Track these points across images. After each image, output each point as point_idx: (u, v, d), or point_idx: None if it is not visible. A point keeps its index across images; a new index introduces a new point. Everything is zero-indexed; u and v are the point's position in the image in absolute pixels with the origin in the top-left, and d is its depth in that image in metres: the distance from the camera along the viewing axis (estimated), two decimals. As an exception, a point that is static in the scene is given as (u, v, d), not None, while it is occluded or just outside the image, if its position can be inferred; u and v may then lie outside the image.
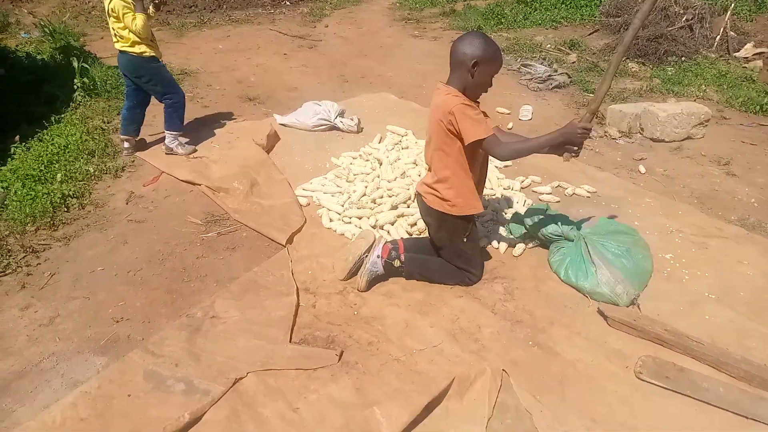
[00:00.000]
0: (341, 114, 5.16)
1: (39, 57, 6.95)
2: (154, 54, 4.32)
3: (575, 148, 2.61)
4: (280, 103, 5.82)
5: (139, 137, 4.69)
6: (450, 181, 2.69)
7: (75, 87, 5.70)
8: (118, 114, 5.40)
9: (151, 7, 4.39)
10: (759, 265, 3.16)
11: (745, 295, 2.91)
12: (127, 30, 4.15)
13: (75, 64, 5.85)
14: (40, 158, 4.33)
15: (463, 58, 2.50)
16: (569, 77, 6.29)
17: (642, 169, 4.33)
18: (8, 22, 9.68)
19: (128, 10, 4.09)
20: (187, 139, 4.66)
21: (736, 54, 7.31)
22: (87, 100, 5.63)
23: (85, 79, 5.76)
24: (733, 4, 8.09)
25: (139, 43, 4.22)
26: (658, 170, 4.34)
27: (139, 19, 4.10)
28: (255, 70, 6.68)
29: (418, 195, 2.93)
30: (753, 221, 3.65)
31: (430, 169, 2.81)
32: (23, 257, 3.25)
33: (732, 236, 3.45)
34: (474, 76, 2.52)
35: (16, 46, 7.92)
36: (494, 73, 2.59)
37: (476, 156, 2.69)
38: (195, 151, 4.58)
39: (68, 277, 3.10)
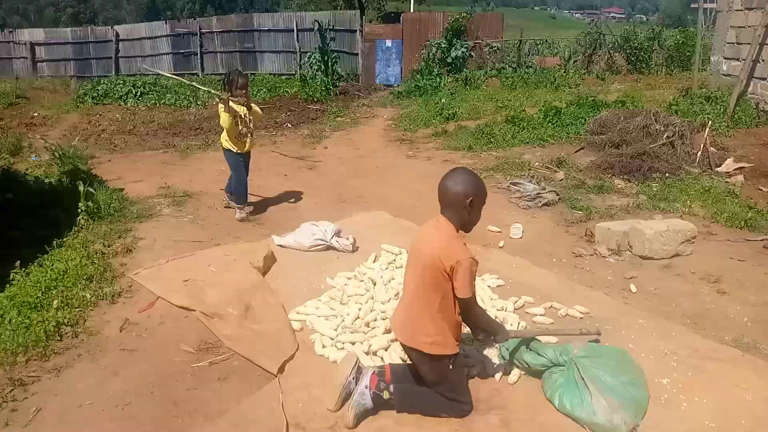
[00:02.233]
0: (337, 234, 5.29)
1: (47, 180, 7.24)
2: (228, 147, 6.05)
3: (491, 338, 3.01)
4: (279, 224, 5.98)
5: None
6: (433, 317, 2.76)
7: (79, 210, 5.88)
8: (119, 237, 5.54)
9: (242, 107, 5.92)
10: (757, 389, 3.12)
11: (746, 423, 2.85)
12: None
13: (81, 188, 6.07)
14: (39, 284, 4.39)
15: (456, 198, 2.66)
16: (558, 195, 6.51)
17: (633, 288, 4.38)
18: (21, 146, 10.15)
19: (221, 110, 5.76)
20: (249, 209, 6.25)
21: (718, 169, 7.59)
22: (90, 224, 5.78)
23: (90, 203, 5.95)
24: (710, 122, 8.53)
25: (225, 138, 6.02)
26: (649, 289, 4.38)
27: (223, 117, 5.77)
28: (256, 191, 6.90)
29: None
30: (747, 341, 3.64)
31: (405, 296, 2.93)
32: (10, 391, 3.20)
33: (728, 359, 3.43)
34: (470, 212, 2.68)
35: (26, 169, 8.26)
36: (484, 203, 2.76)
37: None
38: (246, 219, 6.10)
39: (55, 413, 3.04)
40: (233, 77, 5.87)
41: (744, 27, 10.51)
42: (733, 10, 10.77)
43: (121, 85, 16.40)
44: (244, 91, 5.85)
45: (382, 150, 9.82)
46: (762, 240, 5.28)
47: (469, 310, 2.80)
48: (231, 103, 5.73)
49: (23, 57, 23.03)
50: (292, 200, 6.84)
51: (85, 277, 4.59)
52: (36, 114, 14.38)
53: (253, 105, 6.11)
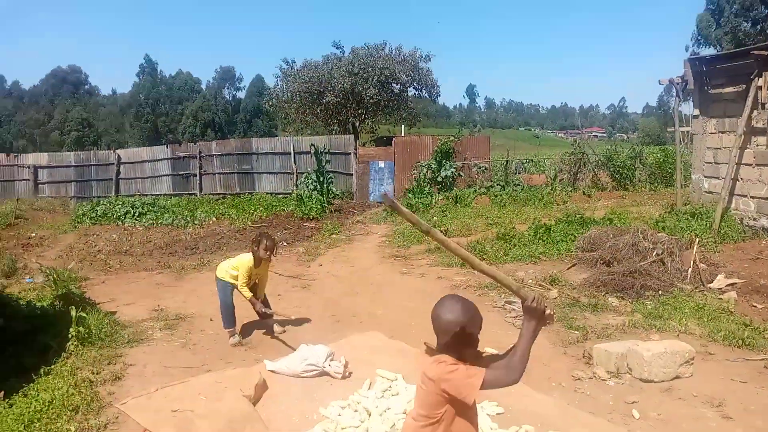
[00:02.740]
0: (331, 357, 5.20)
1: (39, 304, 7.18)
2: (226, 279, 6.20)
3: (548, 313, 2.55)
4: (271, 347, 5.89)
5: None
6: None
7: (70, 336, 5.79)
8: (108, 363, 5.42)
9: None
10: None
11: None
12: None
13: (73, 313, 6.02)
14: (22, 417, 4.23)
15: (449, 326, 2.61)
16: (552, 314, 6.48)
17: (635, 414, 4.27)
18: (16, 267, 10.17)
19: (244, 282, 6.05)
20: (237, 338, 6.18)
21: (710, 285, 7.65)
22: (80, 349, 5.68)
23: (81, 328, 5.87)
24: (698, 238, 8.72)
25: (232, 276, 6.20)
26: (652, 414, 4.27)
27: (245, 293, 6.09)
28: (249, 314, 6.84)
29: None
30: (759, 472, 3.50)
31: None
32: None
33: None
34: (464, 340, 2.62)
35: (19, 292, 8.22)
36: (479, 328, 2.69)
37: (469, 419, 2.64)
38: (238, 344, 6.10)
39: None
40: (262, 239, 6.09)
41: (720, 148, 11.09)
42: (707, 133, 11.41)
43: (119, 206, 16.75)
44: (269, 254, 6.08)
45: (376, 267, 9.89)
46: (762, 359, 5.22)
47: (500, 378, 2.42)
48: (252, 264, 6.05)
49: (26, 179, 23.65)
50: (286, 322, 6.77)
51: (70, 408, 4.43)
52: (33, 234, 14.55)
53: (267, 269, 6.39)
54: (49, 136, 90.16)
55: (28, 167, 23.69)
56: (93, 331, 6.02)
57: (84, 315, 6.19)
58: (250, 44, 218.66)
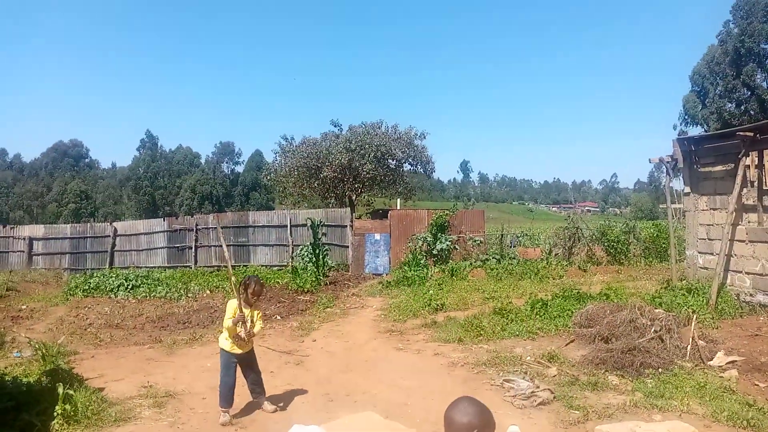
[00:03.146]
0: (325, 438, 5.02)
1: (25, 380, 6.97)
2: (224, 348, 6.06)
3: None
4: (263, 427, 5.70)
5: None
6: None
7: (55, 414, 5.60)
8: (93, 444, 5.21)
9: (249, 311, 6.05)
10: None
11: None
12: None
13: (60, 390, 5.85)
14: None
15: (462, 428, 2.52)
16: (552, 393, 6.35)
17: (642, 500, 4.09)
18: (3, 341, 9.94)
19: (229, 317, 5.90)
20: (228, 417, 5.91)
21: (710, 363, 7.54)
22: (65, 429, 5.48)
23: (67, 406, 5.69)
24: (695, 314, 8.67)
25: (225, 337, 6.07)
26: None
27: (226, 323, 5.94)
28: (240, 391, 6.66)
29: None
30: None
31: None
32: None
33: None
34: None
35: (6, 367, 8.01)
36: None
37: None
38: (229, 424, 5.85)
39: None
40: (250, 282, 6.12)
41: (712, 224, 11.23)
42: (699, 210, 11.59)
43: (113, 278, 16.61)
44: (256, 298, 6.12)
45: (371, 342, 9.73)
46: (768, 441, 5.07)
47: None
48: (242, 305, 5.96)
49: (20, 251, 23.58)
50: (278, 400, 6.58)
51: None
52: (24, 307, 14.33)
53: (257, 314, 6.22)
54: (46, 208, 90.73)
55: (24, 239, 23.68)
56: (80, 408, 5.83)
57: (71, 392, 6.01)
58: (250, 121, 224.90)
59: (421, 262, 17.73)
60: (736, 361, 7.50)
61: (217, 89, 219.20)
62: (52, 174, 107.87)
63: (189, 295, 15.19)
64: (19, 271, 21.30)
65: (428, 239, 18.83)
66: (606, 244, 18.51)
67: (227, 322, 5.94)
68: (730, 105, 43.43)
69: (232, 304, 6.00)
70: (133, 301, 14.82)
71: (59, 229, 24.70)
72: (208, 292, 15.64)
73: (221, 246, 21.12)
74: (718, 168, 11.12)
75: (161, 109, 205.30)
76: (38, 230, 24.52)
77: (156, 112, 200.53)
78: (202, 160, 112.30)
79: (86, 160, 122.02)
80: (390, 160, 29.07)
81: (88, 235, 23.54)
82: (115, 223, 24.58)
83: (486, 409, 2.60)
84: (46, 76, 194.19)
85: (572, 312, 9.87)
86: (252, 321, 6.11)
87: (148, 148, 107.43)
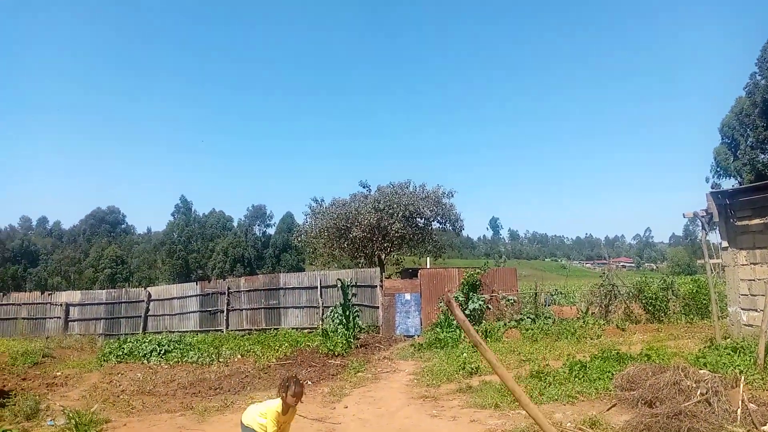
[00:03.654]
0: None
1: (58, 451, 6.96)
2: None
3: None
4: (294, 500, 5.51)
5: None
6: None
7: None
8: None
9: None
10: None
11: None
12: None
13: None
14: None
15: None
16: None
17: None
18: (38, 409, 10.01)
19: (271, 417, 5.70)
20: None
21: (764, 428, 7.12)
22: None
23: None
24: (743, 376, 8.26)
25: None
26: None
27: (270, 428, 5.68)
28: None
29: None
30: None
31: None
32: None
33: None
34: None
35: (39, 437, 8.03)
36: None
37: None
38: None
39: None
40: (290, 384, 5.83)
41: (754, 280, 10.87)
42: (739, 265, 11.25)
43: (146, 344, 16.72)
44: (296, 399, 5.85)
45: (404, 409, 9.48)
46: None
47: None
48: (280, 411, 5.76)
49: (57, 317, 24.02)
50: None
51: None
52: (59, 373, 14.46)
53: (292, 418, 6.05)
54: (83, 274, 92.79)
55: (60, 305, 24.17)
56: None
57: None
58: (280, 184, 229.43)
59: (453, 322, 17.42)
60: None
61: (249, 155, 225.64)
62: (90, 240, 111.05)
63: (220, 359, 15.16)
64: (55, 337, 21.63)
65: (460, 299, 18.58)
66: (644, 301, 17.98)
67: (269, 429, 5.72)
68: (762, 156, 42.79)
69: (276, 411, 5.77)
70: (166, 366, 14.83)
71: (95, 295, 25.17)
72: (239, 356, 15.58)
73: (257, 307, 21.30)
74: (756, 221, 10.86)
75: (195, 176, 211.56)
76: (75, 296, 25.02)
77: (190, 179, 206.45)
78: (235, 224, 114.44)
79: (123, 226, 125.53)
80: (418, 219, 29.24)
81: (122, 300, 23.91)
82: (149, 288, 24.97)
83: None
84: (86, 146, 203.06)
85: (612, 374, 9.53)
86: (288, 423, 5.94)
87: (182, 213, 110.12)
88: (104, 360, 15.89)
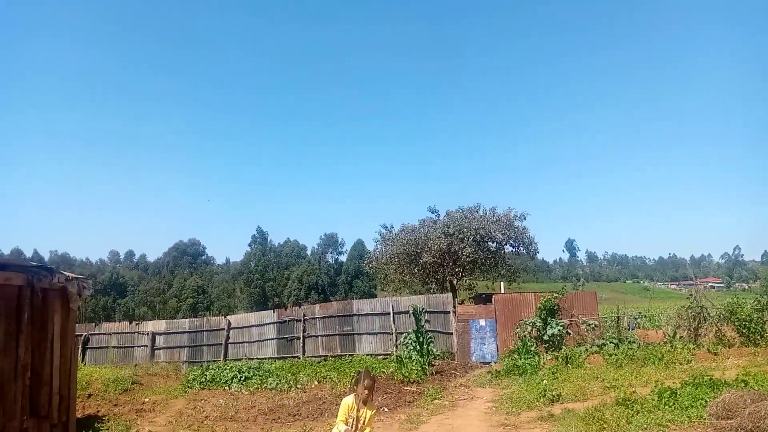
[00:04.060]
0: None
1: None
2: None
3: None
4: None
5: None
6: None
7: None
8: None
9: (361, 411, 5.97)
10: None
11: None
12: None
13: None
14: None
15: None
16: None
17: None
18: (129, 433, 10.47)
19: (341, 419, 5.93)
20: None
21: None
22: None
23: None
24: None
25: None
26: None
27: (340, 427, 5.90)
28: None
29: None
30: None
31: None
32: None
33: None
34: None
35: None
36: None
37: None
38: None
39: None
40: (362, 377, 6.18)
41: None
42: None
43: (227, 371, 17.23)
44: (368, 392, 6.10)
45: (484, 437, 9.24)
46: None
47: None
48: (350, 404, 6.05)
49: (144, 345, 25.21)
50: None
51: None
52: (147, 399, 15.11)
53: (371, 415, 6.18)
54: (167, 304, 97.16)
55: (147, 334, 25.36)
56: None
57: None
58: (352, 213, 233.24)
59: (531, 348, 16.91)
60: None
61: (320, 184, 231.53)
62: (173, 271, 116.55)
63: (298, 386, 15.39)
64: (142, 364, 22.68)
65: (537, 324, 18.04)
66: (737, 323, 16.78)
67: (340, 426, 5.97)
68: None
69: (346, 403, 6.06)
70: (246, 393, 15.20)
71: (178, 324, 26.26)
72: (316, 383, 15.76)
73: (332, 333, 21.57)
74: None
75: (271, 207, 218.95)
76: (160, 325, 26.21)
77: (266, 210, 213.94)
78: (308, 252, 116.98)
79: (203, 257, 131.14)
80: (490, 243, 28.77)
81: (204, 329, 24.80)
82: (228, 317, 25.78)
83: None
84: (169, 182, 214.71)
85: (706, 401, 8.94)
86: (365, 422, 6.04)
87: (258, 243, 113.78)
88: (188, 387, 16.48)
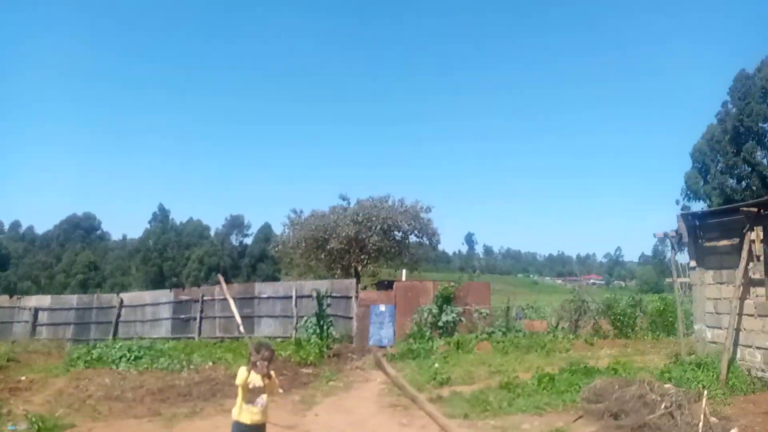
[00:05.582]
0: None
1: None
2: (237, 419, 5.87)
3: None
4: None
5: None
6: None
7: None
8: None
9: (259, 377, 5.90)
10: None
11: None
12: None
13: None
14: None
15: None
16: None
17: None
18: (0, 413, 9.80)
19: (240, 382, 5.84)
20: None
21: (724, 441, 7.32)
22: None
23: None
24: (706, 390, 8.48)
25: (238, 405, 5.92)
26: None
27: (240, 376, 5.84)
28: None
29: None
30: None
31: None
32: None
33: None
34: None
35: (-1, 442, 7.87)
36: None
37: None
38: None
39: None
40: (260, 348, 6.07)
41: (719, 299, 11.16)
42: (705, 284, 11.56)
43: (116, 350, 16.45)
44: (266, 363, 5.98)
45: (375, 417, 9.52)
46: None
47: None
48: (251, 369, 5.92)
49: (25, 321, 23.53)
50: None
51: None
52: (23, 378, 14.13)
53: (272, 376, 6.15)
54: (54, 279, 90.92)
55: (29, 309, 23.69)
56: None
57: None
58: (259, 195, 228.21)
59: (427, 334, 17.52)
60: (751, 439, 7.29)
61: (228, 164, 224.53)
62: (63, 245, 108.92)
63: (191, 366, 14.97)
64: (21, 341, 21.15)
65: (434, 311, 18.68)
66: (612, 317, 18.31)
67: (239, 376, 5.87)
68: (731, 181, 43.98)
69: (242, 371, 5.94)
70: (135, 372, 14.59)
71: (65, 300, 24.78)
72: (210, 363, 15.43)
73: (230, 315, 21.11)
74: (723, 242, 11.15)
75: (174, 184, 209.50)
76: (45, 300, 24.58)
77: (169, 187, 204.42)
78: (212, 233, 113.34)
79: (98, 233, 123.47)
80: (396, 232, 29.37)
81: (93, 306, 23.54)
82: (121, 294, 24.62)
83: None
84: (64, 152, 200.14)
85: (580, 387, 9.70)
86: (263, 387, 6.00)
87: (159, 221, 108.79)
88: (72, 365, 15.57)
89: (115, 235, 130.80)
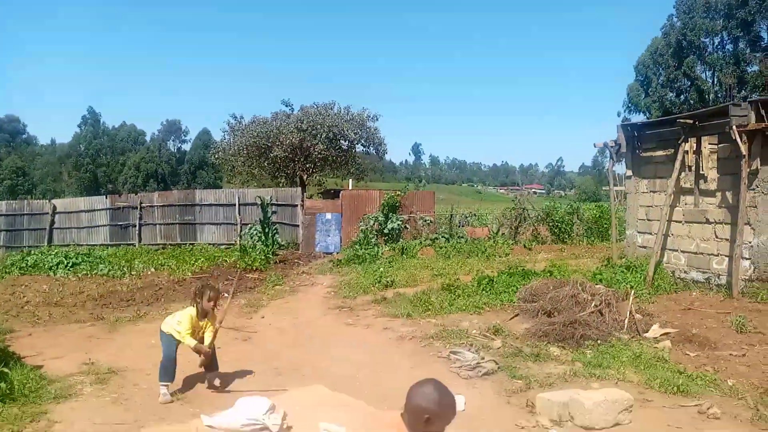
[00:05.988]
0: (271, 410, 5.02)
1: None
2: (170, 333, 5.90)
3: None
4: (208, 401, 5.64)
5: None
6: None
7: (-12, 393, 5.38)
8: (31, 421, 5.04)
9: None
10: None
11: None
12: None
13: (-7, 369, 5.63)
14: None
15: (415, 411, 2.49)
16: (497, 364, 6.53)
17: (579, 461, 4.28)
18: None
19: (187, 332, 5.83)
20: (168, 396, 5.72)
21: (646, 335, 7.90)
22: (0, 407, 5.27)
23: (2, 384, 5.47)
24: (633, 290, 9.05)
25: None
26: (595, 461, 4.29)
27: (188, 341, 5.84)
28: (186, 368, 6.53)
29: None
30: None
31: None
32: None
33: None
34: (427, 429, 2.49)
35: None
36: (448, 423, 2.57)
37: None
38: (171, 402, 5.68)
39: None
40: (205, 290, 5.97)
41: (651, 206, 11.70)
42: (640, 192, 12.05)
43: (52, 256, 15.97)
44: (212, 304, 5.93)
45: (321, 318, 9.74)
46: (696, 405, 5.38)
47: None
48: (194, 315, 5.90)
49: (-51, 228, 22.37)
50: (225, 376, 6.50)
51: (-16, 470, 4.08)
52: (-47, 286, 13.60)
53: (217, 322, 6.13)
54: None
55: (-48, 215, 22.47)
56: (16, 386, 5.62)
57: (6, 370, 5.79)
58: (197, 99, 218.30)
59: (372, 241, 17.79)
60: (669, 333, 7.88)
61: (164, 68, 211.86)
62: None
63: (133, 273, 14.77)
64: (-52, 249, 20.22)
65: (380, 219, 18.89)
66: (551, 224, 19.05)
67: (187, 339, 5.84)
68: (671, 94, 45.09)
69: (190, 314, 5.89)
70: (74, 279, 14.28)
71: (-7, 206, 23.54)
72: (152, 269, 15.25)
73: (172, 222, 20.73)
74: (659, 153, 11.54)
75: (105, 86, 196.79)
76: (-31, 206, 23.29)
77: (99, 89, 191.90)
78: (147, 138, 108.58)
79: (23, 136, 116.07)
80: (342, 141, 28.86)
81: (24, 212, 22.52)
82: (54, 201, 23.62)
83: (447, 399, 2.51)
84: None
85: (517, 288, 10.14)
86: (207, 329, 6.07)
87: (90, 125, 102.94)
88: (5, 272, 15.06)
89: (43, 140, 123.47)
